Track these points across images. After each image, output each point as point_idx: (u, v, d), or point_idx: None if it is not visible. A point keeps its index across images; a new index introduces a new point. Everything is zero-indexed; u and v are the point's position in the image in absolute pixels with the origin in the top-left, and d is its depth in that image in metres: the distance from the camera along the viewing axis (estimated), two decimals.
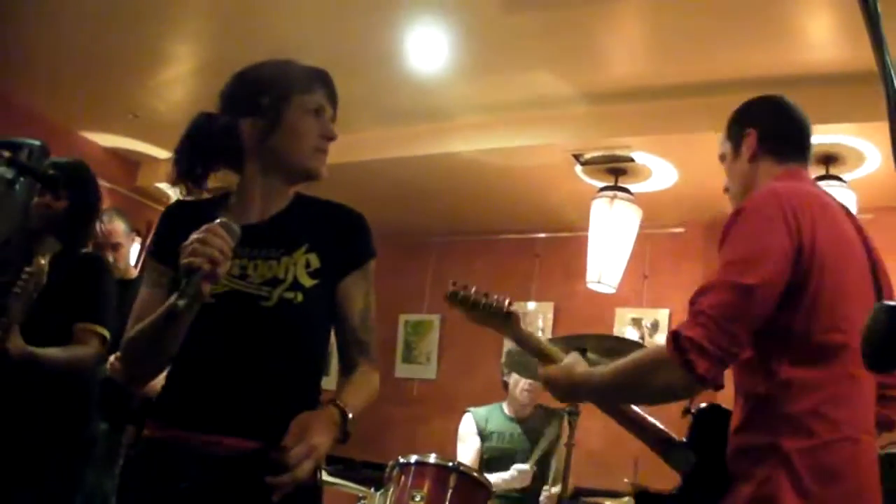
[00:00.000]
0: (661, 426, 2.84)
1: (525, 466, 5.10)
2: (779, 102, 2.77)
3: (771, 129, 2.72)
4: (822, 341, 2.30)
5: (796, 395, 2.28)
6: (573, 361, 2.68)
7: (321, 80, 2.39)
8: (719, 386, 2.26)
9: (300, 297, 2.21)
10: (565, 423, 4.17)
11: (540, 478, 5.12)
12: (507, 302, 2.93)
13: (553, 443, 5.03)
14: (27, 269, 3.27)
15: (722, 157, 2.83)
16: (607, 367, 2.53)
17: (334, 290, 2.31)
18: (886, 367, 1.46)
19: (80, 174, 3.79)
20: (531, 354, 2.97)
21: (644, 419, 2.86)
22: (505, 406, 5.52)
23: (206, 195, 2.41)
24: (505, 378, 5.50)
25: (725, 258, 2.36)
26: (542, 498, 4.90)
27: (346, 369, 2.31)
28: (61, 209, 3.65)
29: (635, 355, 2.44)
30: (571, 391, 2.68)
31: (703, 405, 2.70)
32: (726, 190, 2.81)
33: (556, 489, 4.75)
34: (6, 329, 3.23)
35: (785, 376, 2.30)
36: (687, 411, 2.76)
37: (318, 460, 1.98)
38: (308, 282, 2.24)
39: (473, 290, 2.92)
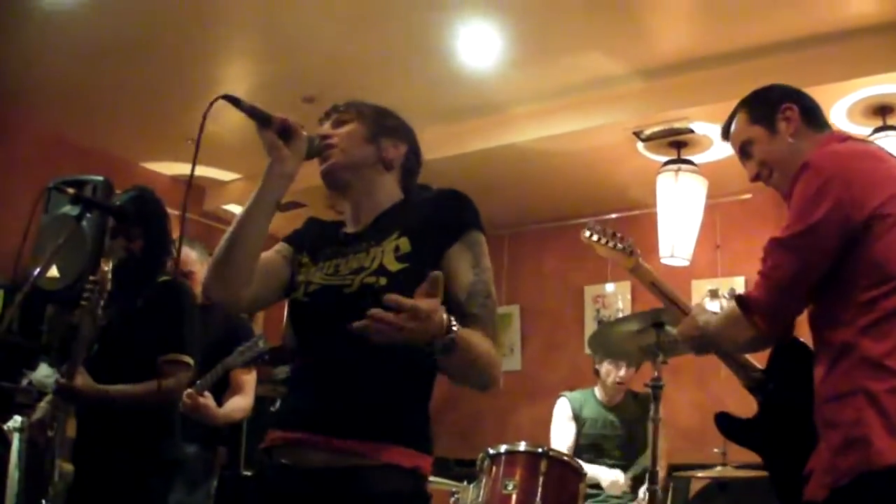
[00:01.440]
0: (753, 362, 2.99)
1: (622, 480, 5.14)
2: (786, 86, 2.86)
3: (805, 102, 2.79)
4: (888, 283, 2.34)
5: (873, 339, 2.31)
6: (696, 313, 2.90)
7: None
8: (785, 339, 2.58)
9: (383, 281, 2.17)
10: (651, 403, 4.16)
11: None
12: (629, 247, 3.43)
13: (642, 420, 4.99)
14: (91, 277, 3.31)
15: (747, 143, 2.82)
16: (716, 318, 2.78)
17: (435, 269, 2.20)
18: None
19: (148, 206, 3.73)
20: (659, 298, 3.29)
21: (741, 357, 2.99)
22: (597, 392, 5.49)
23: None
24: (597, 366, 5.47)
25: (789, 217, 2.49)
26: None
27: None
28: (139, 249, 3.65)
29: (727, 310, 2.69)
30: (697, 343, 2.87)
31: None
32: (758, 177, 2.82)
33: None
34: (71, 372, 3.25)
35: (860, 323, 2.34)
36: None
37: (410, 324, 1.87)
38: (395, 266, 2.21)
39: (600, 234, 3.44)
